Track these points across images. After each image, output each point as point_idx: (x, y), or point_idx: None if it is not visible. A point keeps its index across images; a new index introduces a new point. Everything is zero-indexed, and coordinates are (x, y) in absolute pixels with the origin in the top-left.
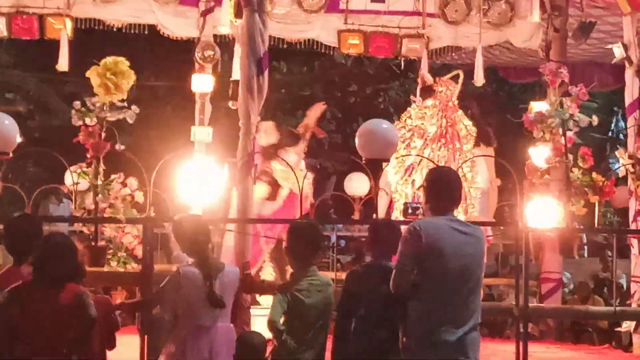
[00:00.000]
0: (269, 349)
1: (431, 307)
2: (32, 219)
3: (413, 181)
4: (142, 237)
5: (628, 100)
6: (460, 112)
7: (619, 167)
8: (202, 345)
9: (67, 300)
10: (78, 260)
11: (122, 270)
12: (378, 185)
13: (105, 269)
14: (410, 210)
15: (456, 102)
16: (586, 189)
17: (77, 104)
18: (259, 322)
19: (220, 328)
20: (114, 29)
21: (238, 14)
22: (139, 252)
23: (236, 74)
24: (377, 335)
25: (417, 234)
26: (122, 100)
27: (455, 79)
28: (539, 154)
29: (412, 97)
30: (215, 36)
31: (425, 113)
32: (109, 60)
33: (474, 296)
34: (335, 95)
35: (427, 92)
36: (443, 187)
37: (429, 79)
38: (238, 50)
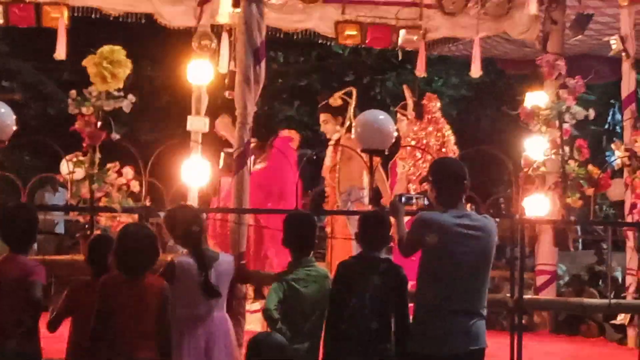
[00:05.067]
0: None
1: (440, 290)
2: (29, 208)
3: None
4: None
5: (624, 93)
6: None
7: (615, 160)
8: (198, 335)
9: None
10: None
11: None
12: (374, 176)
13: None
14: (404, 201)
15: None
16: (582, 181)
17: (73, 93)
18: None
19: (215, 318)
20: (111, 18)
21: (235, 3)
22: None
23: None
24: (369, 325)
25: (420, 225)
26: (119, 90)
27: (349, 95)
28: (534, 146)
29: (402, 114)
30: (212, 26)
31: (425, 128)
32: (105, 49)
33: (480, 288)
34: (332, 85)
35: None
36: (449, 179)
37: (409, 95)
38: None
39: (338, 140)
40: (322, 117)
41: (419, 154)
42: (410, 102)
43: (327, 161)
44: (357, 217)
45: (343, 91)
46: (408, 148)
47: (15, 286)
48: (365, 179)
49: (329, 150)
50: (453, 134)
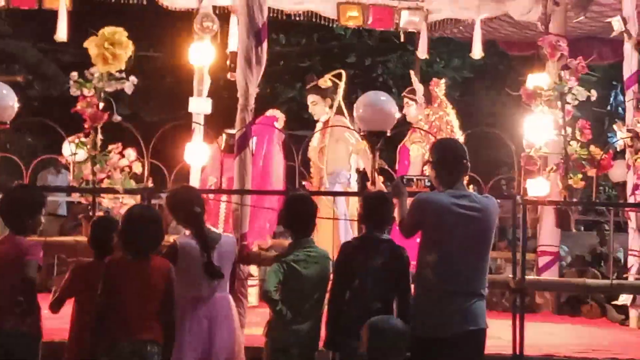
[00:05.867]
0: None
1: (438, 271)
2: (31, 189)
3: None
4: None
5: (626, 74)
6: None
7: (617, 141)
8: (201, 316)
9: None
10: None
11: None
12: (377, 157)
13: None
14: (405, 182)
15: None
16: (584, 162)
17: (74, 74)
18: None
19: (218, 299)
20: (112, 0)
21: None
22: None
23: (232, 45)
24: (371, 306)
25: (418, 207)
26: (120, 71)
27: (338, 77)
28: (535, 126)
29: (410, 99)
30: (214, 7)
31: (437, 112)
32: (107, 30)
33: (479, 268)
34: (334, 67)
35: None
36: (448, 159)
37: (416, 80)
38: (234, 21)
39: (326, 122)
40: (311, 98)
41: (432, 137)
42: (419, 86)
43: (314, 142)
44: (342, 197)
45: (332, 73)
46: (421, 132)
47: (10, 266)
48: (352, 161)
49: (317, 132)
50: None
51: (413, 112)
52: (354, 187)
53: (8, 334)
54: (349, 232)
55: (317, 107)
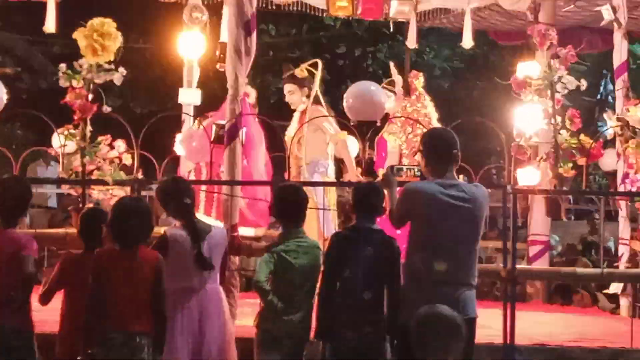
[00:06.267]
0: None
1: (426, 260)
2: (20, 181)
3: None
4: None
5: (616, 63)
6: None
7: (607, 130)
8: (192, 308)
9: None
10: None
11: None
12: (366, 147)
13: None
14: (395, 172)
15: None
16: (574, 151)
17: (62, 66)
18: None
19: (209, 290)
20: None
21: None
22: None
23: (224, 36)
24: (362, 296)
25: (406, 197)
26: (110, 62)
27: (314, 66)
28: (526, 116)
29: (389, 90)
30: None
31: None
32: (95, 21)
33: (468, 257)
34: (323, 57)
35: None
36: (438, 148)
37: (396, 71)
38: (226, 12)
39: (304, 112)
40: (288, 87)
41: (410, 129)
42: (398, 78)
43: (291, 132)
44: (321, 187)
45: (309, 62)
46: (398, 123)
47: (6, 261)
48: (330, 151)
49: (294, 121)
50: (438, 108)
51: (391, 103)
52: (332, 176)
53: (3, 329)
54: (329, 221)
55: (294, 97)
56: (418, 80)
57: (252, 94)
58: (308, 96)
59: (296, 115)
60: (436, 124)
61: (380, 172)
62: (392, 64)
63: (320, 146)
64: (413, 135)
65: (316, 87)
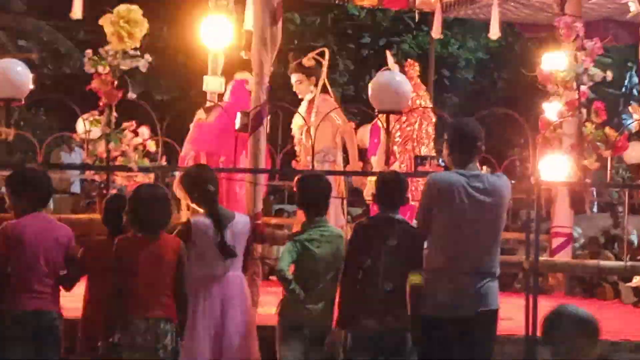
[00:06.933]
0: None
1: (448, 251)
2: (36, 171)
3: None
4: None
5: None
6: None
7: (632, 122)
8: (214, 295)
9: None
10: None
11: None
12: (390, 136)
13: None
14: (419, 162)
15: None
16: (599, 143)
17: (89, 52)
18: None
19: (231, 277)
20: None
21: None
22: None
23: (248, 24)
24: (384, 286)
25: (430, 187)
26: (135, 49)
27: (322, 56)
28: (553, 109)
29: None
30: None
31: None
32: (122, 8)
33: (490, 248)
34: (348, 47)
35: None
36: (462, 139)
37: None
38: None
39: (311, 100)
40: (296, 76)
41: (404, 117)
42: (394, 66)
43: (300, 121)
44: (331, 177)
45: (316, 51)
46: None
47: (57, 246)
48: (338, 140)
49: (302, 110)
50: (431, 100)
51: None
52: (341, 165)
53: (39, 314)
54: (339, 210)
55: (302, 86)
56: (414, 69)
57: (252, 81)
58: (316, 85)
59: (303, 105)
60: (431, 114)
61: (373, 159)
62: (388, 52)
63: (329, 135)
64: (407, 124)
65: (323, 76)
